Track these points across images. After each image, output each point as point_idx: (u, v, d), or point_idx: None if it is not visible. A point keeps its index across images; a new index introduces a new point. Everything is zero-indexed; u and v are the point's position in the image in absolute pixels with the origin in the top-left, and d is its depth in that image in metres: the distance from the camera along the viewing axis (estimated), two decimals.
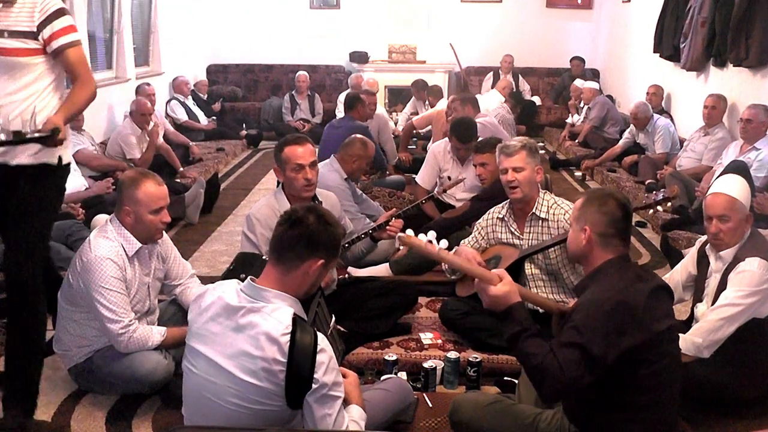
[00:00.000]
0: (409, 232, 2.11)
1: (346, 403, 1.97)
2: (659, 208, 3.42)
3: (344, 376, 2.02)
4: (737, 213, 2.59)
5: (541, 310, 3.02)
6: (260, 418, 1.83)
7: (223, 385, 1.83)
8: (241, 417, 1.83)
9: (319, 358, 1.78)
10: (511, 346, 2.00)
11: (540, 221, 3.08)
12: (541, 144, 8.43)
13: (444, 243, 2.09)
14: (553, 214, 3.06)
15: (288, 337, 1.77)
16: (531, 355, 1.90)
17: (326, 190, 3.35)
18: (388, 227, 3.26)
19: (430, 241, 2.06)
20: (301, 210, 1.92)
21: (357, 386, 2.07)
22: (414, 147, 7.05)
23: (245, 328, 1.82)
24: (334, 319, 2.46)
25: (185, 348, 1.98)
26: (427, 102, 7.70)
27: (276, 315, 1.81)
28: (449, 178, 4.20)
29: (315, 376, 1.77)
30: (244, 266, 2.64)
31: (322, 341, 1.82)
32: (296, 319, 1.81)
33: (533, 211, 3.09)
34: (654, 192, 3.52)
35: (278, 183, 3.28)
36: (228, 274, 2.63)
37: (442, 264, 3.40)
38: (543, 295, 3.06)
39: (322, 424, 1.79)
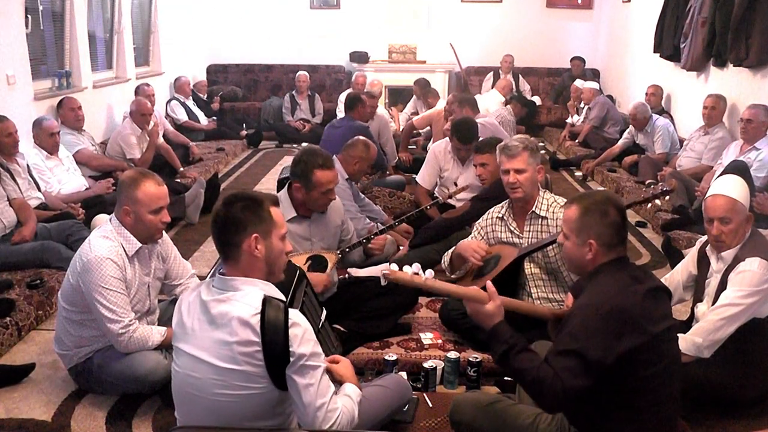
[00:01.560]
0: (393, 266, 2.08)
1: (340, 383, 2.01)
2: (657, 201, 3.42)
3: (335, 362, 2.07)
4: (738, 214, 2.58)
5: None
6: (249, 404, 1.84)
7: (206, 378, 1.85)
8: (229, 406, 1.84)
9: (292, 331, 1.80)
10: (503, 366, 2.00)
11: (540, 219, 3.09)
12: (541, 144, 8.43)
13: (429, 273, 2.08)
14: (553, 212, 3.07)
15: (258, 318, 1.80)
16: (525, 370, 1.89)
17: None
18: (369, 245, 3.35)
19: (417, 273, 2.05)
20: (218, 207, 1.97)
21: (349, 368, 2.11)
22: (414, 147, 7.05)
23: (218, 318, 1.85)
24: (325, 312, 2.46)
25: (173, 350, 2.00)
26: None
27: (245, 300, 1.84)
28: (456, 184, 4.21)
29: (291, 349, 1.79)
30: None
31: (294, 315, 1.84)
32: (266, 299, 1.84)
33: (533, 209, 3.10)
34: (652, 186, 3.54)
35: (283, 185, 3.28)
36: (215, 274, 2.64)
37: (442, 263, 3.42)
38: (543, 295, 3.07)
39: (305, 394, 1.81)
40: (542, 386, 1.85)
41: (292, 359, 1.80)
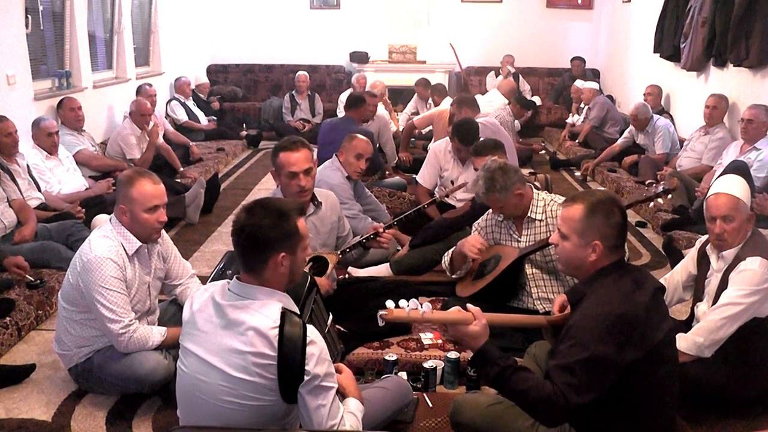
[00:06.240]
0: (389, 303, 2.04)
1: (343, 396, 1.98)
2: (659, 200, 3.42)
3: (339, 372, 2.04)
4: (740, 213, 2.58)
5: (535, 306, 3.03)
6: (255, 414, 1.83)
7: (214, 383, 1.84)
8: (234, 414, 1.83)
9: (309, 349, 1.79)
10: (496, 387, 1.95)
11: (536, 222, 3.11)
12: (541, 144, 8.43)
13: (427, 306, 2.03)
14: (551, 211, 3.09)
15: (276, 331, 1.78)
16: (523, 391, 1.84)
17: (326, 190, 3.36)
18: (379, 238, 3.30)
19: (415, 308, 2.01)
20: (241, 217, 1.90)
21: (352, 380, 2.09)
22: (414, 147, 7.03)
23: (234, 325, 1.83)
24: (331, 317, 2.46)
25: (180, 348, 1.98)
26: (430, 101, 7.68)
27: (264, 310, 1.82)
28: (452, 182, 4.19)
29: (306, 367, 1.78)
30: (232, 264, 2.65)
31: (312, 333, 1.83)
32: (284, 313, 1.82)
33: (528, 214, 3.13)
34: (654, 185, 3.51)
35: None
36: (218, 275, 2.63)
37: (443, 263, 3.42)
38: (544, 295, 3.08)
39: (316, 415, 1.80)
40: (546, 405, 1.81)
41: (306, 378, 1.78)
